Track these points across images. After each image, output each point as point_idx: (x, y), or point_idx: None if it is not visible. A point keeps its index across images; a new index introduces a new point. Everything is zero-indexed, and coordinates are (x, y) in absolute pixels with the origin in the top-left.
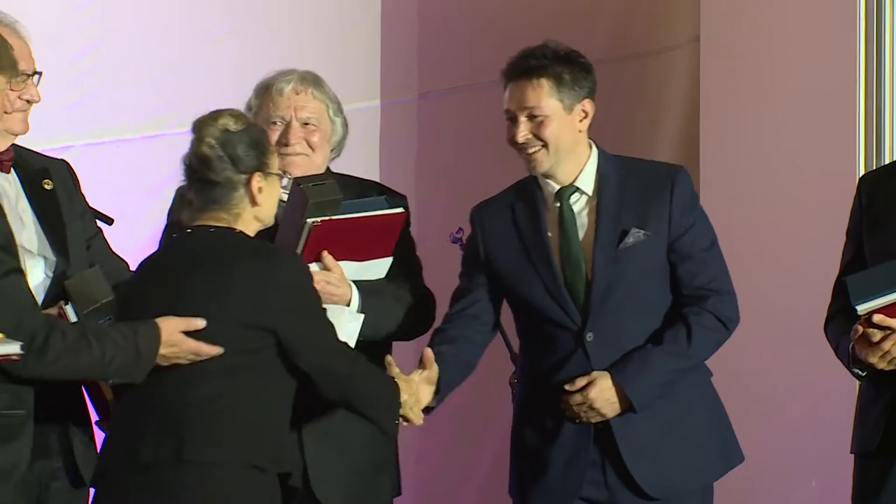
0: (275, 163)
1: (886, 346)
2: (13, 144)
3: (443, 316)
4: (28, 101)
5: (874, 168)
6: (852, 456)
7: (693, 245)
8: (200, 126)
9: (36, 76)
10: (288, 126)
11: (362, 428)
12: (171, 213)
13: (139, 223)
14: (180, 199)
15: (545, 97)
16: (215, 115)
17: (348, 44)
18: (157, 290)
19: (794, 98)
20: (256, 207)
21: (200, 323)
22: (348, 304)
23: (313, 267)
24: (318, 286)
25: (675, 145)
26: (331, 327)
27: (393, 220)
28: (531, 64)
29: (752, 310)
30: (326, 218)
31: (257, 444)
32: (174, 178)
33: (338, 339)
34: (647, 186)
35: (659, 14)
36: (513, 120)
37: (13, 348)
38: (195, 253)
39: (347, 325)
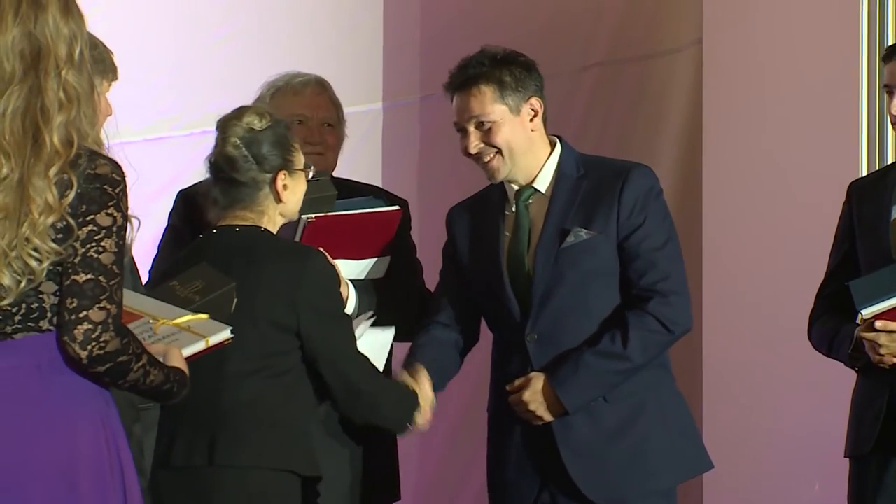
0: (299, 159)
1: (885, 343)
2: None
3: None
4: None
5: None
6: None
7: (642, 244)
8: (225, 125)
9: None
10: (311, 125)
11: (359, 434)
12: (172, 215)
13: (141, 225)
14: (183, 201)
15: (489, 103)
16: (240, 114)
17: (350, 46)
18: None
19: (796, 101)
20: (281, 204)
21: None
22: (345, 304)
23: None
24: None
25: (677, 148)
26: (352, 335)
27: (389, 218)
28: (470, 73)
29: (754, 313)
30: (321, 214)
31: (291, 448)
32: (175, 180)
33: (357, 350)
34: (599, 185)
35: (661, 16)
36: (463, 132)
37: (225, 334)
38: (223, 254)
39: (373, 337)
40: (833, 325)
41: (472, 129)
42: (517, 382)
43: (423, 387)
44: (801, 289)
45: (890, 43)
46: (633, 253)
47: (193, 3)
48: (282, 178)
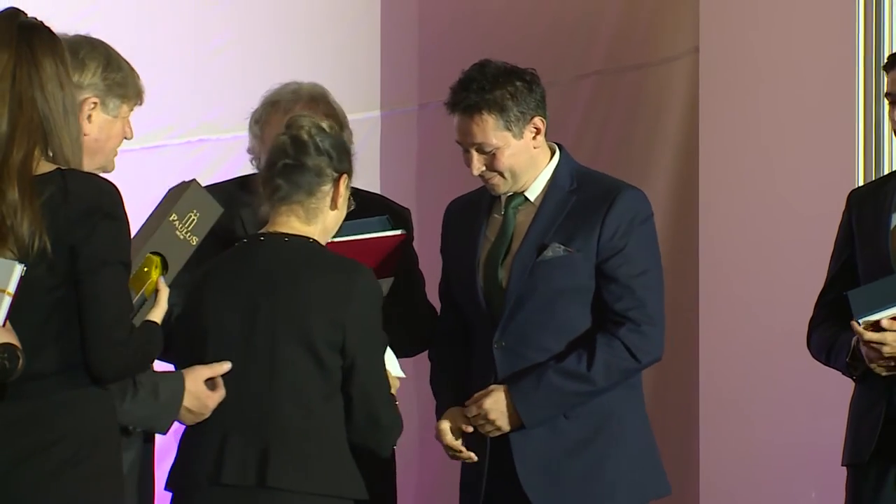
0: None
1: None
2: None
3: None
4: None
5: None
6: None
7: (619, 269)
8: (298, 118)
9: None
10: None
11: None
12: None
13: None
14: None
15: (491, 131)
16: (310, 115)
17: (348, 54)
18: (233, 309)
19: (793, 109)
20: (332, 213)
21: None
22: None
23: None
24: None
25: (674, 156)
26: (383, 359)
27: (394, 242)
28: (472, 100)
29: (750, 321)
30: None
31: (342, 472)
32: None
33: (385, 376)
34: (587, 203)
35: (658, 25)
36: (465, 150)
37: (17, 273)
38: (268, 264)
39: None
40: (832, 334)
41: (474, 151)
42: (477, 395)
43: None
44: (797, 297)
45: (887, 51)
46: (611, 277)
47: (190, 13)
48: (344, 181)
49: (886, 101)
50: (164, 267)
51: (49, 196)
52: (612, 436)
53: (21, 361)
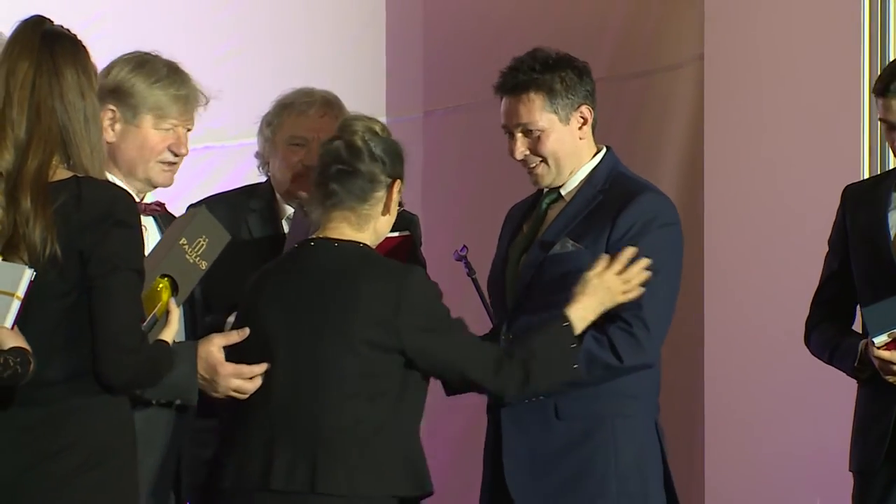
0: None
1: None
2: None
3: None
4: None
5: None
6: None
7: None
8: (352, 122)
9: None
10: (310, 149)
11: None
12: None
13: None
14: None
15: (538, 112)
16: (362, 118)
17: (354, 62)
18: (282, 314)
19: (798, 115)
20: (383, 218)
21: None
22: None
23: None
24: None
25: (679, 163)
26: (465, 338)
27: (399, 243)
28: (521, 79)
29: (756, 325)
30: None
31: (398, 473)
32: (180, 194)
33: (475, 349)
34: (608, 202)
35: (663, 32)
36: (510, 136)
37: (27, 277)
38: (318, 270)
39: None
40: (833, 335)
41: (519, 134)
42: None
43: None
44: (802, 301)
45: (892, 57)
46: None
47: (196, 21)
48: (397, 186)
49: (884, 127)
50: (175, 289)
51: (62, 203)
52: (602, 441)
53: (32, 365)
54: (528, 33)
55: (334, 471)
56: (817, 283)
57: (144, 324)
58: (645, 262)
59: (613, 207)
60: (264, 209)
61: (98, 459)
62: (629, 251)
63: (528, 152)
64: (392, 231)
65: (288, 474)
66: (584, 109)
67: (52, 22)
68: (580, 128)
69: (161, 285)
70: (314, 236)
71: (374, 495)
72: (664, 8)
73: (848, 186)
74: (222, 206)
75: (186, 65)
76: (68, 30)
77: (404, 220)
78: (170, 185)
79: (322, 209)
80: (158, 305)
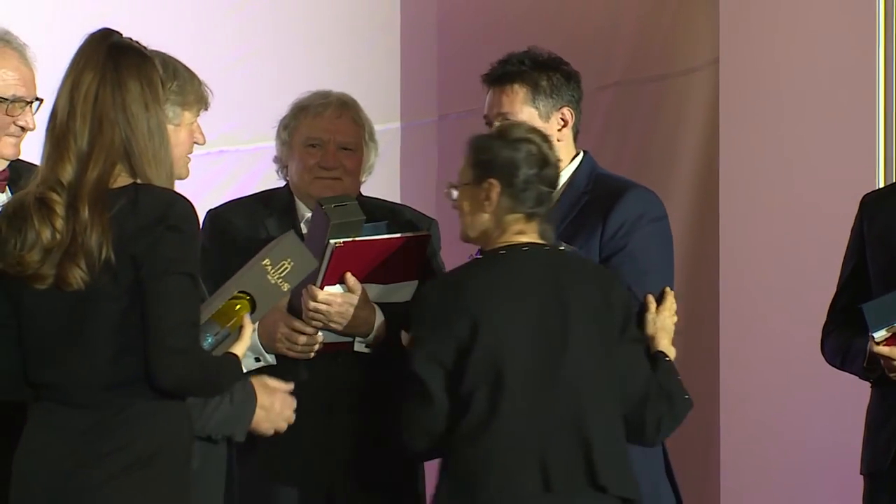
0: None
1: None
2: (14, 162)
3: None
4: (22, 128)
5: None
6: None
7: (622, 268)
8: (522, 129)
9: (36, 103)
10: (326, 150)
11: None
12: (199, 235)
13: None
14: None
15: (519, 103)
16: (523, 124)
17: (368, 66)
18: (524, 323)
19: (813, 118)
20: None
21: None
22: (373, 327)
23: (336, 289)
24: (341, 308)
25: (694, 167)
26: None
27: (417, 243)
28: (508, 70)
29: (772, 330)
30: (349, 239)
31: (632, 476)
32: (197, 198)
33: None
34: (594, 203)
35: (678, 36)
36: (489, 126)
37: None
38: (550, 277)
39: None
40: (845, 339)
41: (497, 124)
42: None
43: None
44: (818, 303)
45: None
46: None
47: (208, 25)
48: None
49: None
50: (253, 307)
51: (119, 208)
52: None
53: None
54: (542, 37)
55: (607, 471)
56: (833, 287)
57: (217, 335)
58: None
59: (602, 206)
60: (282, 212)
61: (147, 461)
62: (669, 293)
63: None
64: (412, 229)
65: (567, 474)
66: (566, 111)
67: (120, 34)
68: (560, 129)
69: (239, 305)
70: (526, 241)
71: (623, 496)
72: (679, 12)
73: (866, 195)
74: (240, 209)
75: (201, 68)
76: (137, 42)
77: (424, 223)
78: None
79: (526, 212)
80: (234, 320)
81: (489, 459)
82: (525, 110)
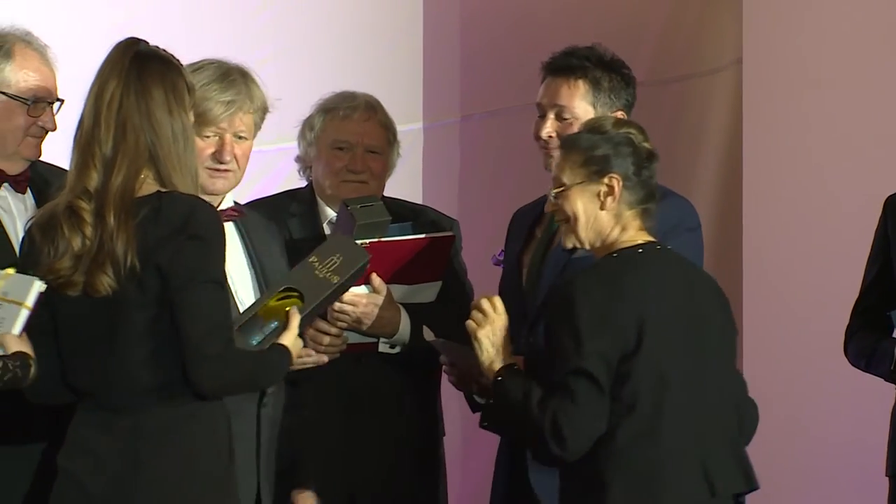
0: None
1: None
2: (35, 163)
3: None
4: (43, 128)
5: None
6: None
7: None
8: (619, 120)
9: (56, 104)
10: (354, 154)
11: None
12: None
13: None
14: None
15: (578, 99)
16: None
17: (390, 67)
18: (680, 314)
19: (837, 118)
20: None
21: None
22: (398, 328)
23: (361, 289)
24: (366, 309)
25: (717, 167)
26: None
27: (441, 243)
28: (572, 63)
29: (796, 331)
30: (374, 240)
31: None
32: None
33: None
34: None
35: (701, 36)
36: (542, 115)
37: (37, 288)
38: (680, 276)
39: None
40: (870, 342)
41: (551, 115)
42: None
43: None
44: (842, 305)
45: None
46: None
47: (233, 25)
48: None
49: None
50: (302, 301)
51: (143, 217)
52: None
53: (33, 370)
54: (565, 38)
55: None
56: (857, 289)
57: (264, 329)
58: None
59: None
60: (305, 213)
61: (187, 462)
62: None
63: (553, 134)
64: (435, 230)
65: (731, 479)
66: (620, 115)
67: (146, 42)
68: None
69: (288, 297)
70: (641, 242)
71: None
72: (703, 12)
73: (890, 196)
74: (263, 209)
75: None
76: (163, 49)
77: (446, 224)
78: (222, 191)
79: (640, 208)
80: (281, 314)
81: (662, 461)
82: (581, 106)
